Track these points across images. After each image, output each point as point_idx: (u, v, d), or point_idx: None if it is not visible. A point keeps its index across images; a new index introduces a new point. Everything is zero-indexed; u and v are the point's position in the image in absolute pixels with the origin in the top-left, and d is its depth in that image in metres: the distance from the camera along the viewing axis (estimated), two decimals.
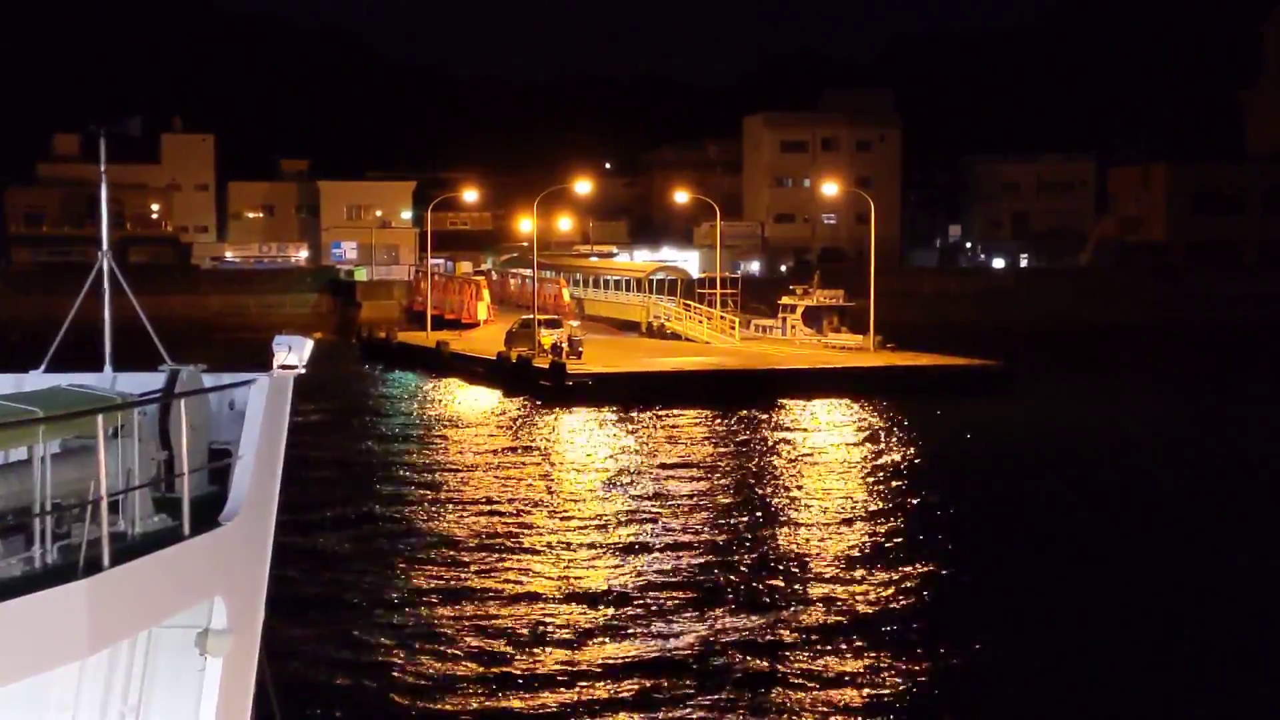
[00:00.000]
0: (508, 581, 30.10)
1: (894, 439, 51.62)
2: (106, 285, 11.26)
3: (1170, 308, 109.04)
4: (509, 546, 33.78)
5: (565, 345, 67.15)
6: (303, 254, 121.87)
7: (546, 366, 63.65)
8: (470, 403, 64.70)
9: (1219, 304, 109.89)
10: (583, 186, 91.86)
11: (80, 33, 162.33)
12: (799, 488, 42.64)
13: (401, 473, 45.13)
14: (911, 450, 49.09)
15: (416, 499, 40.32)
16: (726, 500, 40.35)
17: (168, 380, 10.69)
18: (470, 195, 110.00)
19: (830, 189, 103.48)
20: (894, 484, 42.90)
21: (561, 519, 37.20)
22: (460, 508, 39.02)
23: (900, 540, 34.86)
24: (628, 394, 60.76)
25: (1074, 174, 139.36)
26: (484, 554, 33.07)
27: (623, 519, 37.17)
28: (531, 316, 71.42)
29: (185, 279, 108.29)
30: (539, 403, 61.72)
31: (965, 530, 36.08)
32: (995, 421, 56.99)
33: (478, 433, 54.74)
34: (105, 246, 11.24)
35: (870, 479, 43.98)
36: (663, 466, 46.08)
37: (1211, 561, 32.91)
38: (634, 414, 57.87)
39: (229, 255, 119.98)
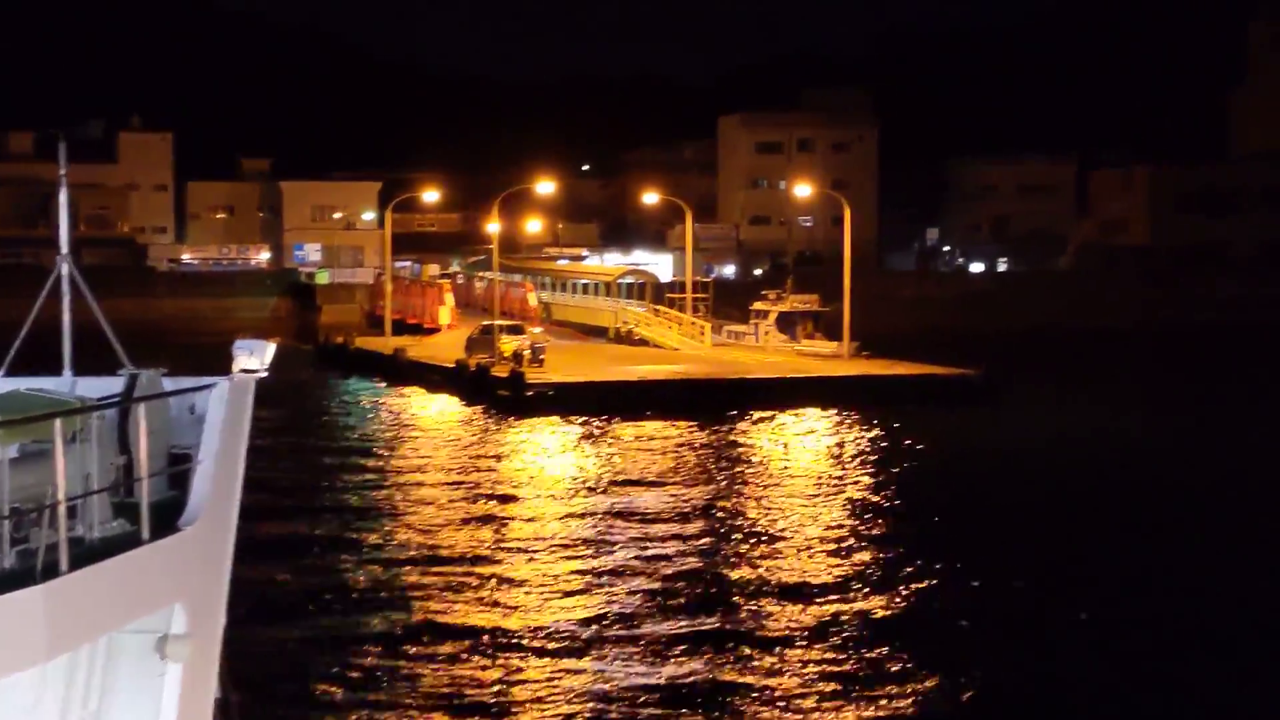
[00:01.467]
0: (459, 603, 28.14)
1: (868, 453, 48.66)
2: (66, 288, 11.19)
3: (1155, 312, 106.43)
4: (455, 572, 30.84)
5: (527, 352, 64.11)
6: (264, 256, 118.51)
7: (505, 375, 60.56)
8: (424, 413, 61.57)
9: (1205, 307, 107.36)
10: (545, 187, 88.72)
11: (34, 27, 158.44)
12: (767, 505, 39.68)
13: (334, 490, 41.95)
14: (886, 465, 46.13)
15: (351, 517, 37.20)
16: (690, 518, 37.37)
17: (127, 384, 10.64)
18: (431, 195, 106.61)
19: (804, 190, 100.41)
20: (868, 501, 39.99)
21: (509, 539, 34.14)
22: (401, 524, 35.93)
23: (876, 558, 32.36)
24: (590, 404, 57.75)
25: (1055, 176, 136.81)
26: (433, 573, 30.73)
27: (576, 539, 34.17)
28: (492, 322, 68.29)
29: (140, 281, 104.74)
30: (497, 414, 58.63)
31: (943, 547, 33.52)
32: (975, 434, 54.08)
33: (428, 446, 51.56)
34: (65, 250, 11.17)
35: (843, 496, 41.07)
36: (622, 482, 43.10)
37: (1202, 573, 31.40)
38: (596, 425, 54.88)
39: (186, 257, 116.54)
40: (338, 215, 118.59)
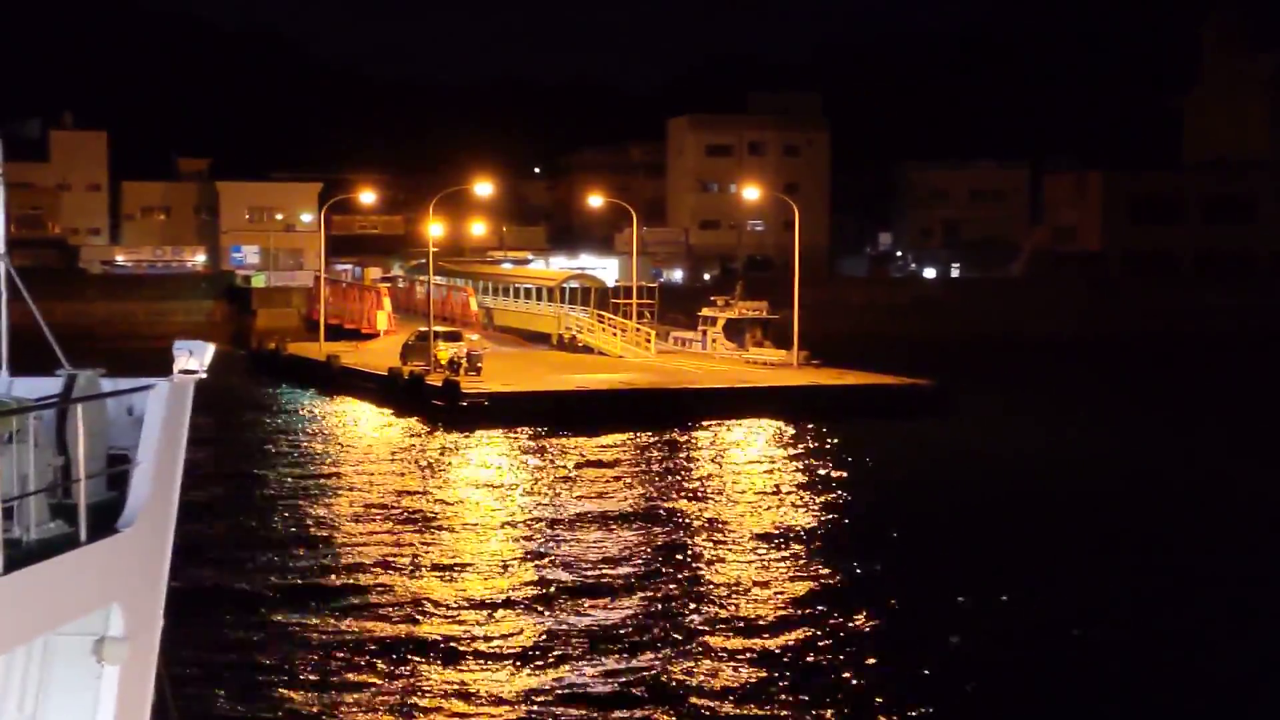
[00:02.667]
0: (383, 619, 27.07)
1: (814, 467, 46.56)
2: (3, 288, 11.19)
3: (1107, 320, 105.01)
4: (376, 589, 28.59)
5: (463, 360, 61.69)
6: (200, 258, 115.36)
7: (440, 385, 58.13)
8: (353, 425, 59.02)
9: (1157, 316, 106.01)
10: (484, 188, 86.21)
11: None
12: (708, 521, 37.62)
13: (236, 506, 39.43)
14: (832, 480, 44.08)
15: (257, 533, 34.76)
16: (625, 536, 35.24)
17: (65, 385, 10.59)
18: (367, 197, 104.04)
19: (752, 193, 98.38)
20: (813, 517, 37.97)
21: (426, 561, 31.80)
22: (307, 544, 33.51)
23: (825, 574, 30.86)
24: (528, 415, 55.45)
25: (1007, 182, 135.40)
26: (354, 590, 28.80)
27: (501, 559, 31.89)
28: (428, 329, 65.80)
29: (71, 284, 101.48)
30: (431, 425, 56.24)
31: (892, 563, 32.40)
32: (927, 447, 52.22)
33: (352, 459, 49.11)
34: (3, 249, 11.15)
35: (787, 511, 39.02)
36: (556, 497, 41.04)
37: (1158, 588, 30.63)
38: (533, 437, 52.59)
39: (120, 259, 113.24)
40: (280, 217, 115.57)
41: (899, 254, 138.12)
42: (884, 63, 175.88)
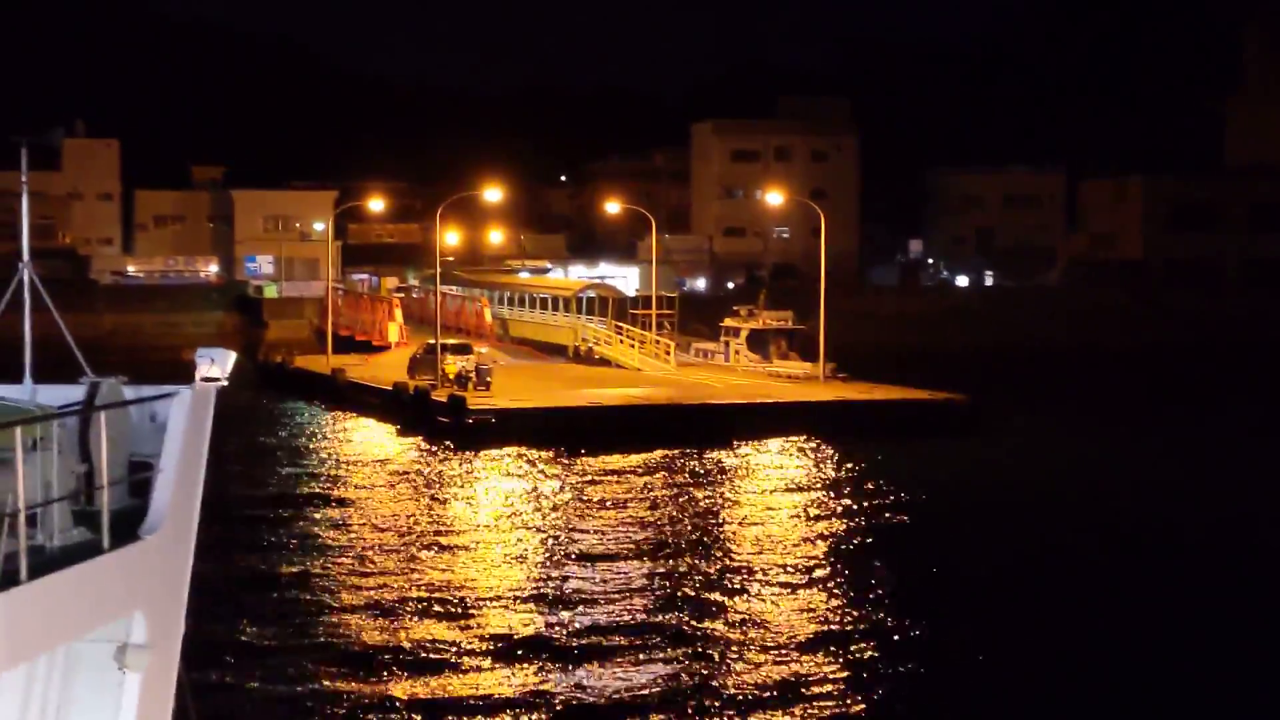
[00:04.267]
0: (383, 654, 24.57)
1: (839, 490, 43.33)
2: (27, 296, 11.23)
3: (1149, 330, 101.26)
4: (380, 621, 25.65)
5: (472, 375, 58.69)
6: (213, 268, 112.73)
7: (445, 400, 55.11)
8: (354, 442, 56.12)
9: (1199, 325, 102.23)
10: (493, 194, 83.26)
11: None
12: (725, 548, 34.65)
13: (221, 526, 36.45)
14: (857, 504, 40.86)
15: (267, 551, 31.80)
16: (637, 565, 32.41)
17: (88, 393, 10.60)
18: (378, 205, 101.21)
19: (775, 199, 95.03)
20: (835, 544, 34.86)
21: (414, 595, 28.76)
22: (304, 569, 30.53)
23: (845, 604, 28.54)
24: (537, 433, 52.34)
25: (1042, 187, 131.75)
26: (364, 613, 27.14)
27: (506, 587, 28.86)
28: (436, 341, 62.77)
29: (80, 295, 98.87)
30: (436, 443, 53.23)
31: (916, 592, 29.97)
32: (958, 468, 48.88)
33: (348, 477, 46.16)
34: (26, 257, 11.33)
35: (808, 537, 35.99)
36: (563, 523, 38.05)
37: (1195, 615, 28.52)
38: (543, 457, 49.52)
39: (131, 269, 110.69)
40: (298, 226, 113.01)
41: (930, 262, 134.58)
42: (915, 67, 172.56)
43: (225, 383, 11.13)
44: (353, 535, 37.20)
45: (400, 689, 23.66)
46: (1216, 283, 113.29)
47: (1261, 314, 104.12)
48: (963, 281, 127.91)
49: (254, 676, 24.14)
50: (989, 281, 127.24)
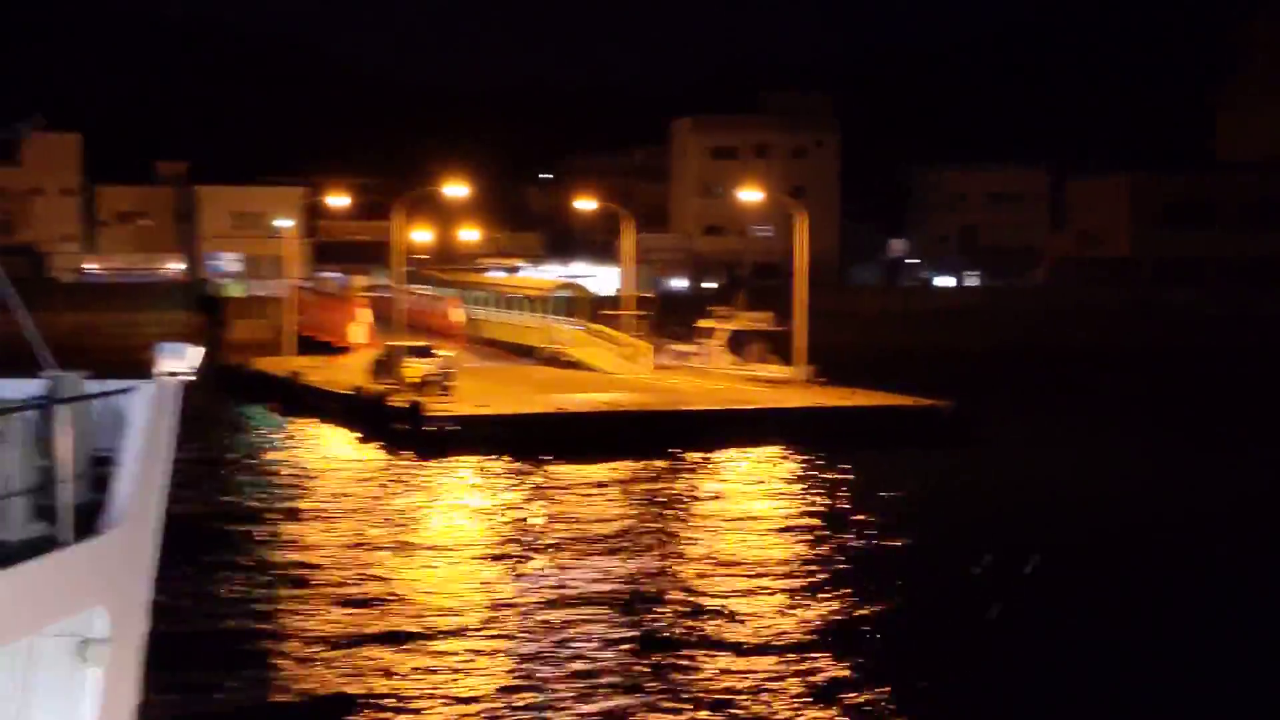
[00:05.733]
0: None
1: (813, 504, 40.71)
2: None
3: (1139, 330, 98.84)
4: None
5: (434, 378, 55.98)
6: (177, 266, 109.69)
7: (404, 406, 52.35)
8: (306, 448, 53.31)
9: (1190, 325, 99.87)
10: (457, 190, 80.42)
11: None
12: (693, 566, 32.02)
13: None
14: (832, 519, 38.26)
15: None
16: (604, 583, 29.83)
17: (50, 386, 10.56)
18: (341, 201, 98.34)
19: (753, 195, 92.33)
20: (813, 560, 32.24)
21: (348, 624, 26.15)
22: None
23: (821, 627, 26.31)
24: (500, 441, 49.65)
25: (1027, 184, 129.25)
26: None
27: (454, 607, 26.27)
28: (398, 343, 60.04)
29: (38, 293, 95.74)
30: (393, 451, 50.51)
31: (896, 615, 27.76)
32: (942, 479, 46.29)
33: (294, 486, 43.40)
34: None
35: (784, 554, 33.39)
36: (520, 539, 35.38)
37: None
38: (505, 467, 46.86)
39: (92, 267, 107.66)
40: (276, 223, 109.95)
41: (913, 261, 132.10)
42: (898, 64, 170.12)
43: (192, 378, 11.02)
44: (297, 551, 34.52)
45: (359, 693, 23.18)
46: (1207, 281, 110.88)
47: (1253, 313, 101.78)
48: (946, 281, 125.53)
49: (216, 676, 23.91)
50: (973, 281, 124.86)
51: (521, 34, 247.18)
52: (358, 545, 35.72)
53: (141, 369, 11.21)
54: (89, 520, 10.21)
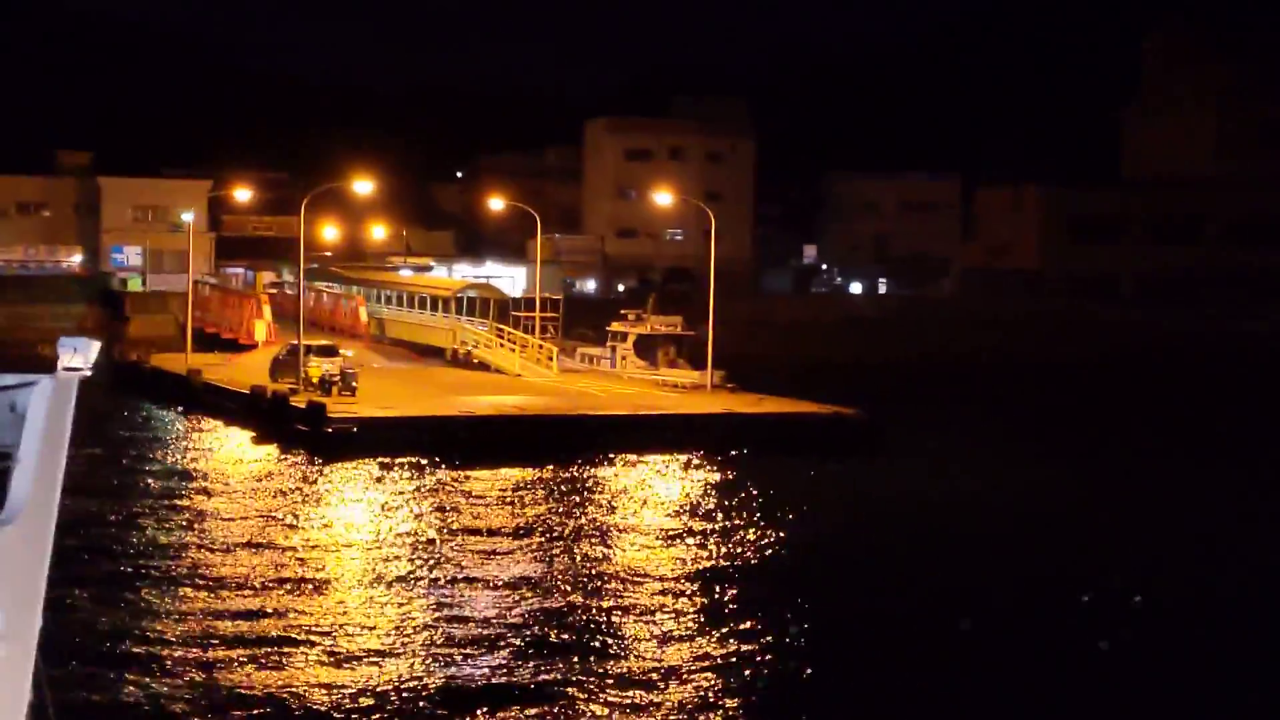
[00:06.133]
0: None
1: (719, 512, 40.02)
2: None
3: (1045, 342, 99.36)
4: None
5: (337, 379, 54.72)
6: (76, 259, 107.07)
7: (304, 406, 51.07)
8: (202, 449, 51.87)
9: (1096, 338, 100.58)
10: (363, 186, 78.96)
11: None
12: (597, 575, 31.13)
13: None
14: (738, 526, 37.57)
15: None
16: (507, 592, 28.72)
17: None
18: (246, 194, 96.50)
19: (665, 199, 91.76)
20: (716, 570, 31.48)
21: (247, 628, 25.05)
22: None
23: (723, 634, 24.74)
24: (404, 444, 48.56)
25: (938, 194, 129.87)
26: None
27: (351, 620, 25.17)
28: (299, 342, 58.64)
29: None
30: (292, 453, 49.23)
31: (800, 623, 26.54)
32: (848, 487, 45.82)
33: (185, 490, 42.03)
34: None
35: (687, 564, 32.64)
36: (421, 546, 34.40)
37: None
38: (407, 471, 45.77)
39: None
40: (187, 217, 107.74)
41: (825, 268, 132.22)
42: (813, 71, 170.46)
43: (89, 372, 10.56)
44: (185, 558, 33.29)
45: (254, 697, 22.91)
46: (1113, 295, 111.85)
47: (1158, 327, 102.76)
48: (857, 289, 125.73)
49: (114, 667, 24.03)
50: (884, 289, 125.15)
51: (435, 32, 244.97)
52: (247, 546, 34.61)
53: (37, 363, 10.85)
54: None
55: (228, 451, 51.61)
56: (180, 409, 61.83)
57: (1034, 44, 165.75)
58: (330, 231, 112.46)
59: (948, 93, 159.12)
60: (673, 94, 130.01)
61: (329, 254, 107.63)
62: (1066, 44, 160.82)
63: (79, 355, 10.45)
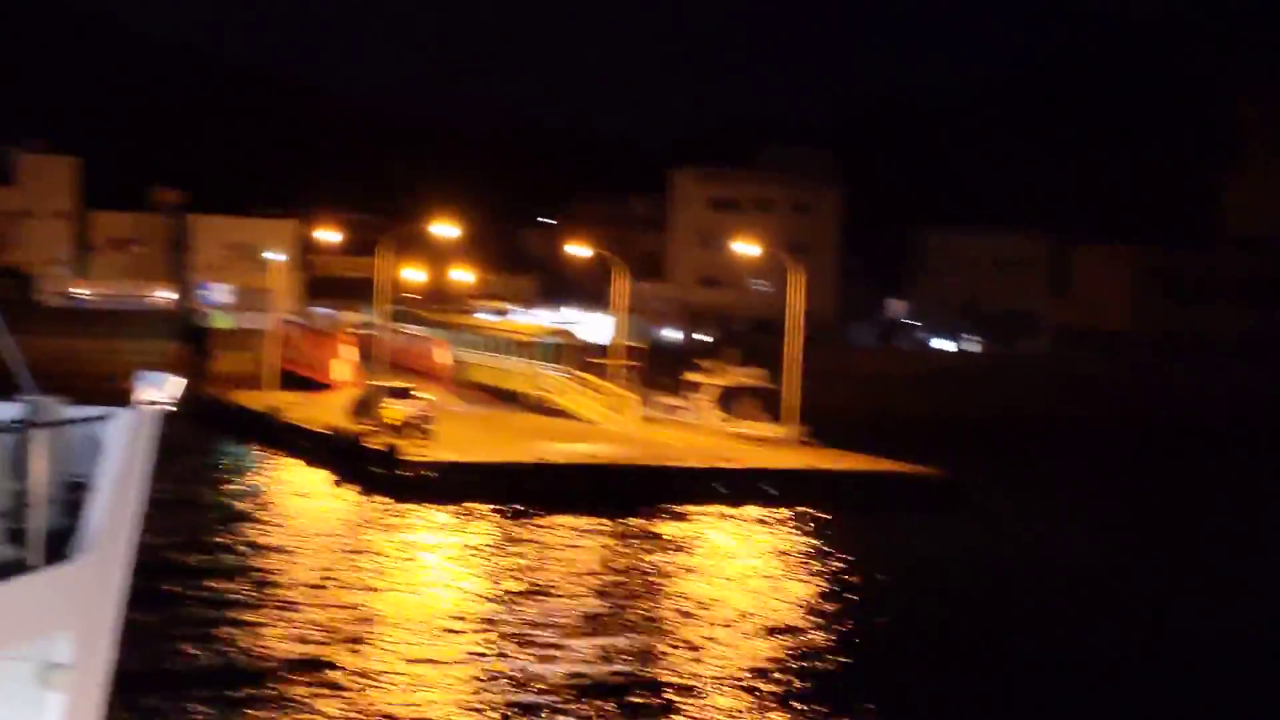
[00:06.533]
0: None
1: (794, 569, 39.10)
2: None
3: (1136, 404, 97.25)
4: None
5: (413, 422, 54.41)
6: (166, 295, 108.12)
7: (380, 449, 50.79)
8: (277, 489, 51.69)
9: (1189, 401, 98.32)
10: (448, 230, 79.06)
11: None
12: (667, 627, 30.46)
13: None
14: (813, 585, 36.64)
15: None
16: (576, 644, 28.08)
17: (26, 410, 10.31)
18: (334, 236, 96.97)
19: (748, 249, 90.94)
20: (783, 632, 30.70)
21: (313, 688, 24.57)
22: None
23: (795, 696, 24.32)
24: (477, 490, 48.11)
25: (1030, 251, 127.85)
26: None
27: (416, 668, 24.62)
28: (378, 383, 58.46)
29: (21, 317, 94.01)
30: (365, 496, 48.92)
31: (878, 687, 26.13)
32: (928, 549, 44.71)
33: (255, 528, 41.76)
34: None
35: (760, 622, 31.79)
36: (494, 594, 33.81)
37: None
38: (480, 518, 45.29)
39: (79, 292, 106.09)
40: (272, 256, 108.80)
41: (913, 324, 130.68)
42: (905, 124, 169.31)
43: (171, 408, 11.09)
44: (250, 595, 32.95)
45: None
46: (1207, 357, 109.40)
47: (1252, 391, 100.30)
48: (945, 345, 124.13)
49: (180, 706, 23.87)
50: (972, 346, 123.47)
51: (523, 77, 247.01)
52: (311, 587, 34.20)
53: (120, 397, 11.20)
54: (60, 545, 10.22)
55: (301, 491, 51.43)
56: (258, 446, 61.84)
57: (1129, 99, 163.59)
58: (416, 274, 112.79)
59: (1040, 147, 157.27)
60: (758, 143, 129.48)
61: (415, 296, 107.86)
62: (1162, 100, 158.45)
63: (157, 390, 10.97)
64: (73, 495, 10.66)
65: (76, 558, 10.28)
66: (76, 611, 10.33)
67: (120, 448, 10.81)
